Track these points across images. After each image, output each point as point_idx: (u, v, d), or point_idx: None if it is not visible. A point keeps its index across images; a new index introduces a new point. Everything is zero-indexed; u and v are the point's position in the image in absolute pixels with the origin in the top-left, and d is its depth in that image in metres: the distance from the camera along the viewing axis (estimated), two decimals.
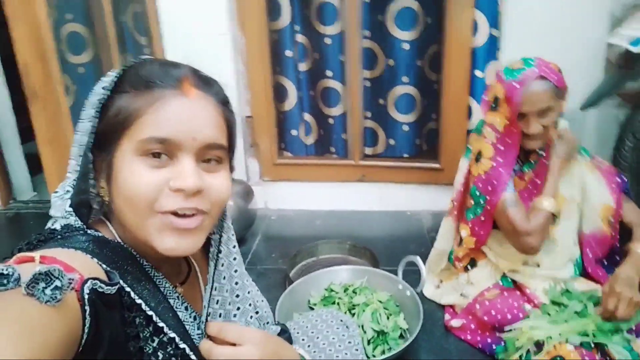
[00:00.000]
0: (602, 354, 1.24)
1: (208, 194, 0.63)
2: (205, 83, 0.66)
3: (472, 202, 1.49)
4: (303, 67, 2.29)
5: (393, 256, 1.90)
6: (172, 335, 0.62)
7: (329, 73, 2.27)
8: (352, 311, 1.43)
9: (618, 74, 1.60)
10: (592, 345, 1.25)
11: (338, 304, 1.47)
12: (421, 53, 2.18)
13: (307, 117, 2.40)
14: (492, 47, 2.01)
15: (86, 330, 0.48)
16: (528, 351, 1.29)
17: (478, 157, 1.49)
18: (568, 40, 1.93)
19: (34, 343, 0.42)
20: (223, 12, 2.10)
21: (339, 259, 1.90)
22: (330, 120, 2.36)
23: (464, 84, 2.09)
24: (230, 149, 0.69)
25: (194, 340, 0.68)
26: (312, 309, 1.51)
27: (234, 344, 0.64)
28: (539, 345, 1.28)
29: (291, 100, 2.33)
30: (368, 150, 2.40)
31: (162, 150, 0.60)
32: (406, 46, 2.14)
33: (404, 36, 2.13)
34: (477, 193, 1.47)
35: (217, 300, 0.75)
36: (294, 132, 2.39)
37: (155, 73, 0.62)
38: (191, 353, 0.64)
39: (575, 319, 1.31)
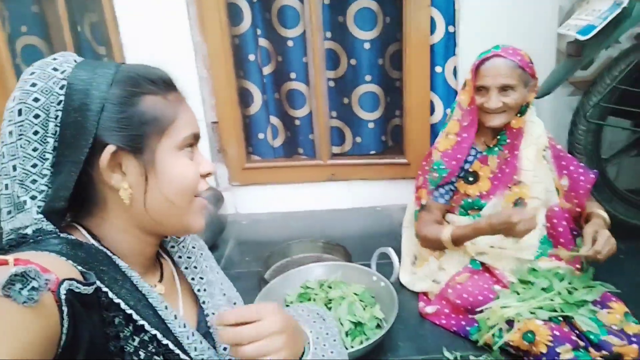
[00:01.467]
0: (570, 326, 1.30)
1: None
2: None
3: (436, 174, 1.56)
4: (267, 70, 2.30)
5: (366, 251, 1.93)
6: (154, 332, 0.62)
7: (292, 75, 2.29)
8: (329, 305, 1.45)
9: (569, 62, 1.69)
10: (560, 319, 1.31)
11: (314, 299, 1.48)
12: (382, 52, 2.23)
13: (274, 119, 2.41)
14: (450, 43, 2.08)
15: (64, 331, 0.48)
16: (500, 329, 1.34)
17: (447, 134, 1.58)
18: (521, 33, 2.00)
19: (12, 344, 0.42)
20: (184, 18, 2.09)
21: (313, 257, 1.91)
22: (297, 122, 2.39)
23: (424, 80, 2.14)
24: None
25: (178, 337, 0.67)
26: (288, 307, 1.51)
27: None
28: (510, 323, 1.33)
29: (256, 104, 2.34)
30: (336, 149, 2.43)
31: (193, 144, 0.70)
32: (367, 45, 2.19)
33: (365, 36, 2.18)
34: (442, 167, 1.56)
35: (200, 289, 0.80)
36: (261, 136, 2.40)
37: (161, 76, 0.68)
38: (175, 348, 0.64)
39: (542, 295, 1.37)
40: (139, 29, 2.08)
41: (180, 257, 0.80)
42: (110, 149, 0.61)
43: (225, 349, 0.78)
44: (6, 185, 0.61)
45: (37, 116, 0.60)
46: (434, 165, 1.58)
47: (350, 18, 2.16)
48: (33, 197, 0.61)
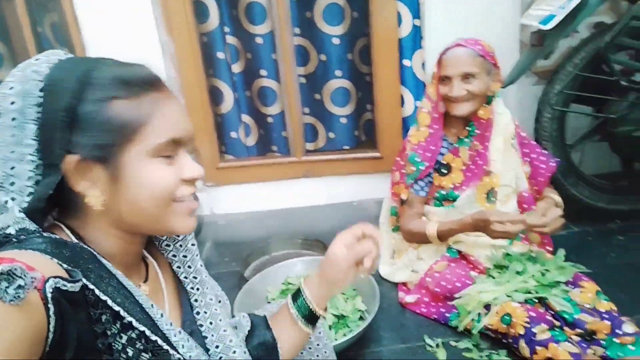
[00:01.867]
0: (544, 307, 1.34)
1: None
2: (161, 78, 0.69)
3: (413, 168, 1.58)
4: (236, 68, 2.28)
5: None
6: (142, 328, 0.61)
7: (263, 72, 2.28)
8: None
9: (532, 51, 1.74)
10: (535, 300, 1.35)
11: None
12: (351, 47, 2.25)
13: (246, 118, 2.39)
14: (417, 36, 2.10)
15: (51, 329, 0.47)
16: (479, 314, 1.37)
17: (419, 127, 1.61)
18: (485, 25, 2.06)
19: (0, 343, 0.42)
20: (149, 17, 2.05)
21: (292, 254, 1.91)
22: (269, 119, 2.38)
23: (394, 73, 2.17)
24: None
25: (165, 334, 0.67)
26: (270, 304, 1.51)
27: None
28: (488, 307, 1.36)
29: (228, 102, 2.32)
30: (309, 146, 2.44)
31: (172, 149, 0.66)
32: (336, 41, 2.20)
33: (333, 31, 2.19)
34: (417, 159, 1.58)
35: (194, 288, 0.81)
36: (233, 135, 2.38)
37: (140, 75, 0.64)
38: (164, 344, 0.64)
39: (517, 278, 1.41)
40: (101, 29, 2.02)
41: (174, 255, 0.80)
42: (72, 157, 0.60)
43: (217, 346, 0.79)
44: None
45: (13, 119, 0.60)
46: (410, 160, 1.60)
47: (318, 14, 2.16)
48: (14, 199, 0.61)
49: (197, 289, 0.80)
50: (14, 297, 0.43)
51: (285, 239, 1.98)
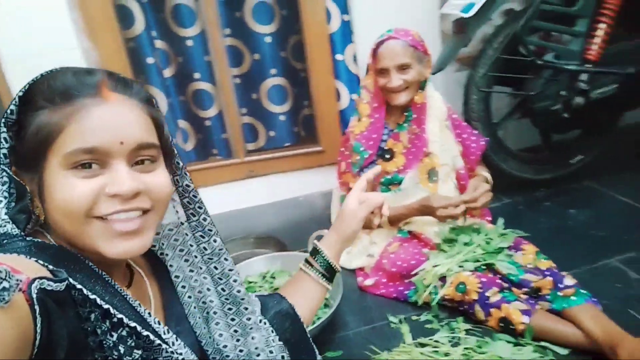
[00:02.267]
0: (493, 272, 1.45)
1: (148, 193, 0.65)
2: (124, 85, 0.66)
3: (358, 157, 1.64)
4: (168, 72, 2.22)
5: (297, 241, 1.96)
6: (133, 324, 0.60)
7: (196, 75, 2.24)
8: None
9: (456, 39, 1.86)
10: (484, 267, 1.46)
11: (260, 292, 1.48)
12: (283, 45, 2.27)
13: (182, 123, 2.33)
14: (347, 31, 2.17)
15: (38, 330, 0.47)
16: (435, 287, 1.45)
17: (360, 117, 1.67)
18: (408, 17, 2.16)
19: None
20: (68, 24, 1.95)
21: (247, 254, 1.90)
22: (207, 123, 2.34)
23: (328, 68, 2.22)
24: (163, 145, 0.70)
25: (156, 330, 0.67)
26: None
27: None
28: (443, 279, 1.45)
29: (161, 108, 2.22)
30: (250, 146, 2.43)
31: (92, 160, 0.61)
32: (268, 39, 2.21)
33: (264, 30, 2.19)
34: (361, 148, 1.64)
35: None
36: None
37: (70, 83, 0.61)
38: (156, 339, 0.63)
39: (466, 249, 1.51)
40: (17, 38, 1.89)
41: (171, 265, 0.82)
42: (13, 168, 0.63)
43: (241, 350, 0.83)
44: None
45: None
46: (355, 150, 1.66)
47: (248, 13, 2.16)
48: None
49: (226, 299, 0.83)
50: None
51: (238, 240, 1.96)
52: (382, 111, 1.64)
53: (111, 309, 0.58)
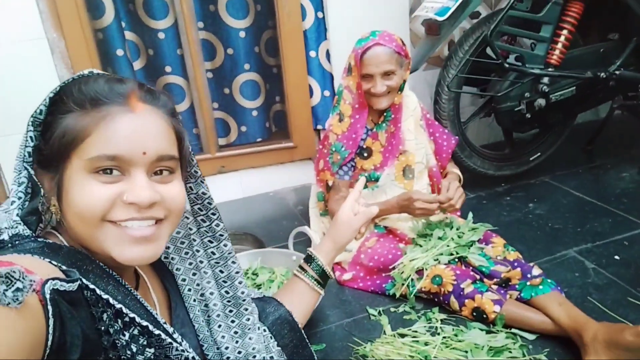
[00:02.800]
0: (465, 265, 1.54)
1: (163, 204, 0.66)
2: (152, 96, 0.67)
3: (339, 156, 1.68)
4: (138, 65, 2.17)
5: (271, 237, 1.99)
6: (145, 323, 0.62)
7: (168, 69, 2.20)
8: (259, 290, 1.48)
9: (429, 40, 1.93)
10: (457, 260, 1.54)
11: None
12: (257, 40, 2.26)
13: None
14: (321, 28, 2.19)
15: (50, 331, 0.47)
16: (412, 280, 1.52)
17: (341, 118, 1.68)
18: (379, 17, 2.22)
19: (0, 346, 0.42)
20: (33, 14, 1.86)
21: None
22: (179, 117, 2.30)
23: (301, 65, 2.24)
24: (182, 156, 0.71)
25: (166, 329, 0.68)
26: None
27: None
28: (420, 272, 1.52)
29: None
30: (222, 141, 2.41)
31: (113, 166, 0.62)
32: (242, 34, 2.20)
33: (239, 24, 2.18)
34: (342, 148, 1.67)
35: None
36: None
37: (101, 90, 0.62)
38: (167, 337, 0.65)
39: (440, 243, 1.59)
40: None
41: (178, 269, 0.84)
42: (35, 166, 0.64)
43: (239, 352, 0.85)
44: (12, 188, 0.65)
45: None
46: (333, 148, 1.68)
47: (222, 7, 2.14)
48: (13, 202, 0.63)
49: (228, 302, 0.85)
50: (13, 299, 0.43)
51: None
52: (363, 112, 1.67)
53: (123, 309, 0.59)
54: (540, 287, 1.39)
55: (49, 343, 0.47)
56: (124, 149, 0.61)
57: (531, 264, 1.49)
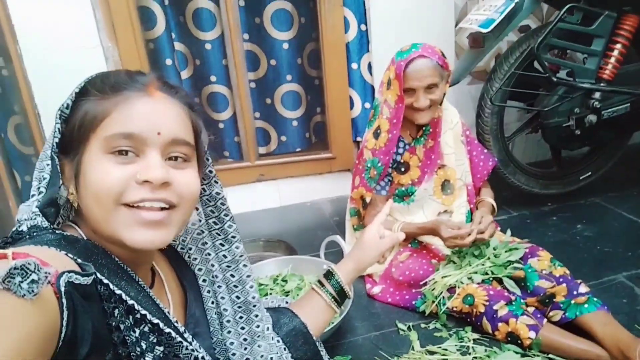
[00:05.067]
0: (500, 285, 1.47)
1: (176, 188, 0.66)
2: (171, 88, 0.69)
3: (375, 172, 1.65)
4: (185, 74, 2.26)
5: (305, 246, 1.99)
6: (156, 321, 0.62)
7: (213, 78, 2.27)
8: (287, 298, 1.48)
9: (473, 52, 1.89)
10: (491, 279, 1.48)
11: (271, 294, 1.50)
12: (300, 51, 2.30)
13: None
14: (363, 41, 2.20)
15: (64, 324, 0.48)
16: (443, 297, 1.47)
17: (378, 132, 1.65)
18: (424, 29, 2.20)
19: (13, 337, 0.42)
20: (90, 24, 1.98)
21: (255, 257, 1.92)
22: (221, 125, 2.37)
23: (342, 77, 2.25)
24: (197, 151, 0.72)
25: (177, 327, 0.69)
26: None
27: None
28: (451, 290, 1.46)
29: None
30: (262, 150, 2.46)
31: (129, 147, 0.62)
32: (285, 46, 2.24)
33: (282, 36, 2.23)
34: (379, 163, 1.64)
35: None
36: None
37: (122, 79, 0.65)
38: (177, 336, 0.65)
39: (475, 261, 1.53)
40: (40, 37, 1.92)
41: (200, 269, 0.85)
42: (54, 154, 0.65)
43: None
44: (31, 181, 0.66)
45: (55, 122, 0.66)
46: (369, 164, 1.65)
47: (267, 19, 2.19)
48: (32, 195, 0.64)
49: (239, 307, 0.85)
50: (28, 291, 0.43)
51: (247, 242, 1.98)
52: (398, 126, 1.63)
53: (135, 305, 0.60)
54: (586, 305, 1.31)
55: (62, 336, 0.47)
56: (139, 128, 0.63)
57: (578, 281, 1.41)
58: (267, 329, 0.90)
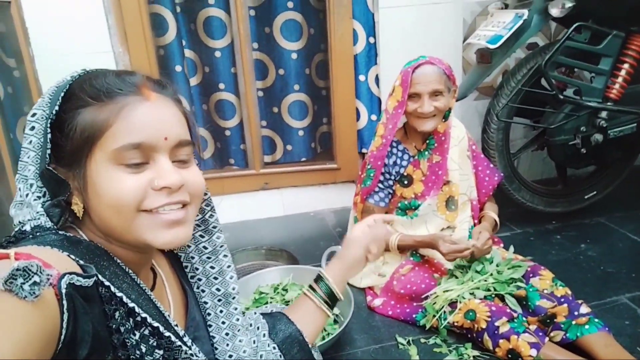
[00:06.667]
0: (503, 302, 1.46)
1: (188, 187, 0.67)
2: (160, 85, 0.69)
3: (365, 176, 1.66)
4: (194, 81, 2.28)
5: (307, 255, 1.99)
6: (156, 325, 0.62)
7: (221, 86, 2.29)
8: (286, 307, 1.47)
9: (480, 68, 1.89)
10: (494, 296, 1.47)
11: (271, 303, 1.50)
12: (308, 62, 2.32)
13: (202, 131, 2.38)
14: (371, 53, 2.22)
15: (64, 326, 0.48)
16: (444, 312, 1.46)
17: (375, 137, 1.68)
18: (433, 43, 2.21)
19: (13, 338, 0.42)
20: (102, 29, 2.01)
21: (257, 265, 1.92)
22: (227, 133, 2.38)
23: (350, 88, 2.26)
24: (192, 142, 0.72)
25: (177, 331, 0.69)
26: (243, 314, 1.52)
27: None
28: (453, 305, 1.45)
29: None
30: (267, 158, 2.47)
31: (138, 155, 0.62)
32: (294, 56, 2.26)
33: (291, 46, 2.25)
34: (370, 167, 1.66)
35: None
36: None
37: (113, 82, 0.63)
38: (177, 340, 0.65)
39: (478, 277, 1.52)
40: (52, 40, 1.96)
41: (197, 268, 0.84)
42: (52, 165, 0.64)
43: (230, 355, 0.83)
44: (19, 187, 0.65)
45: (32, 128, 0.63)
46: (369, 173, 1.68)
47: (277, 29, 2.22)
48: (37, 198, 0.64)
49: (219, 300, 0.84)
50: (29, 293, 0.43)
51: (250, 250, 1.99)
52: (393, 133, 1.64)
53: (136, 308, 0.60)
54: (587, 326, 1.30)
55: (62, 337, 0.47)
56: (147, 136, 0.62)
57: (579, 302, 1.39)
58: (264, 335, 0.89)
